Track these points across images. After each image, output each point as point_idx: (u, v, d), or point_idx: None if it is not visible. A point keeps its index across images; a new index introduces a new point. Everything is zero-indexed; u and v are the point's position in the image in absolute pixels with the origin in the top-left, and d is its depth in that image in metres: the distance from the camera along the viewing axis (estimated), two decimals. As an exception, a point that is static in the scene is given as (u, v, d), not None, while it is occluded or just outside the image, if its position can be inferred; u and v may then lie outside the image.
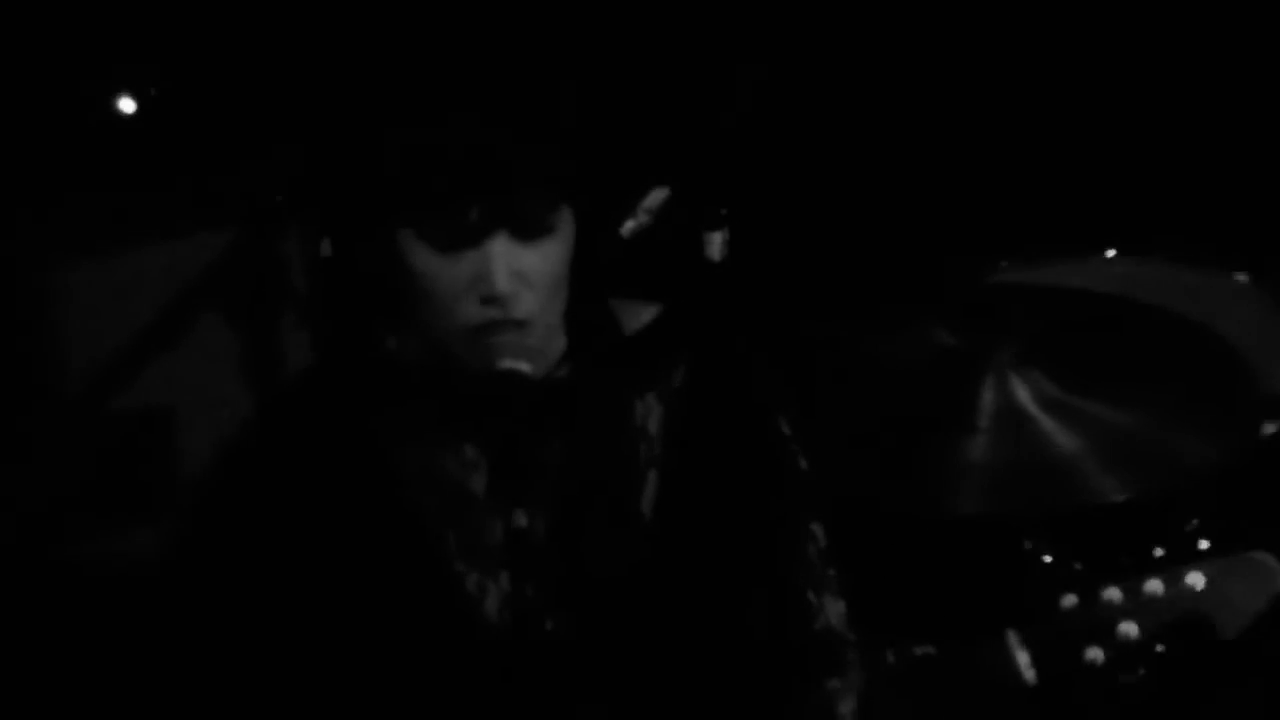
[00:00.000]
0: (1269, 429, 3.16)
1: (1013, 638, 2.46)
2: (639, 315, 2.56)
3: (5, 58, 4.18)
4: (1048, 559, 3.05)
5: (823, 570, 2.56)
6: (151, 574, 2.97)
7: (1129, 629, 2.48)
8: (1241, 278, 3.23)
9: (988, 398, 3.05)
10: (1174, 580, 2.48)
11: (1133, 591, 2.50)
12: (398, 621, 2.51)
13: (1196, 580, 2.51)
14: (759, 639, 2.58)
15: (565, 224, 2.39)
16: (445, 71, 2.48)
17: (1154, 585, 2.47)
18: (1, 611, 4.09)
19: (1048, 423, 3.02)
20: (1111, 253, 3.34)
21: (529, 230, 2.36)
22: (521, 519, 2.44)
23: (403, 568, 2.51)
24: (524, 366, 2.34)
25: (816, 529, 2.51)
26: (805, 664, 2.62)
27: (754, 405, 2.56)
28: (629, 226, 2.99)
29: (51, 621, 4.17)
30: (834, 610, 2.55)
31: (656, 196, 2.98)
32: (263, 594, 2.55)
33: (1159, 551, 3.19)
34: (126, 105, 3.83)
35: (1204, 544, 3.09)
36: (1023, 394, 3.04)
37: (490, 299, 2.37)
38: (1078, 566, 3.20)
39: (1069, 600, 2.48)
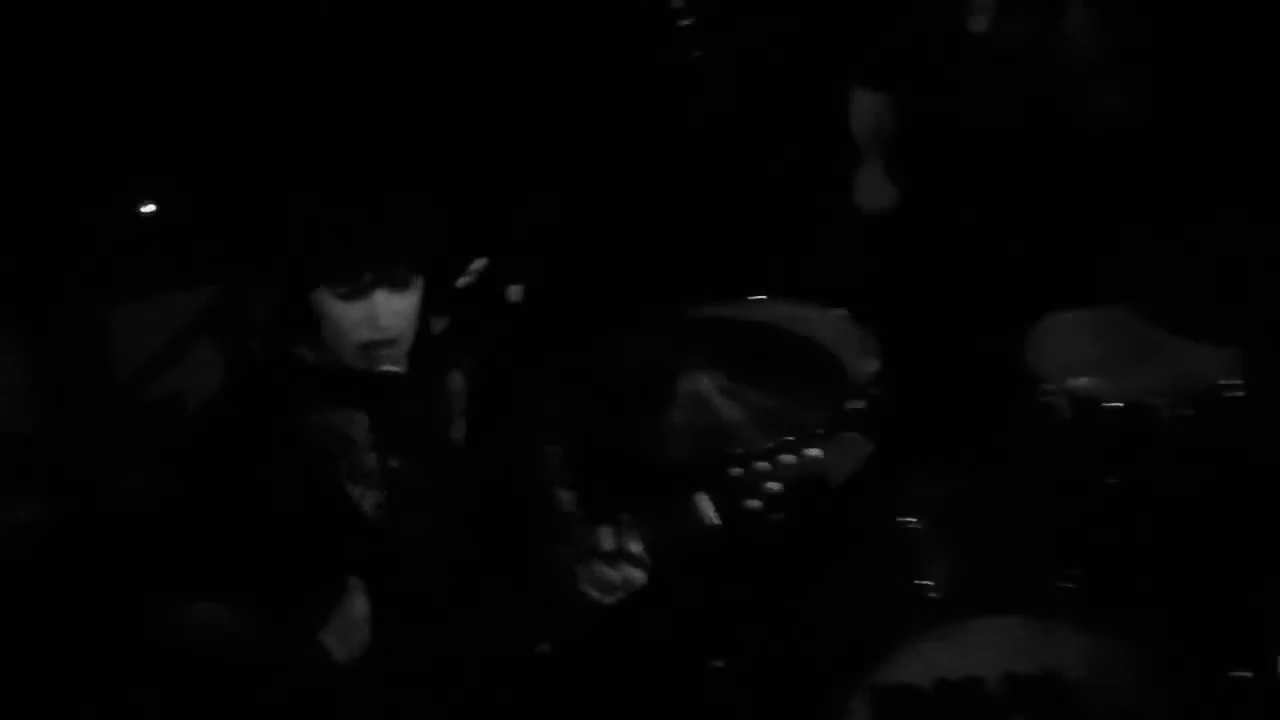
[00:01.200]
0: (856, 406, 4.12)
1: (702, 498, 3.49)
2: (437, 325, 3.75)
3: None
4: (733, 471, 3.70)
5: (560, 474, 3.73)
6: (163, 488, 4.03)
7: (773, 486, 3.49)
8: (836, 312, 4.45)
9: (684, 385, 4.21)
10: (800, 454, 3.52)
11: (775, 463, 3.49)
12: (312, 512, 3.58)
13: (814, 453, 3.56)
14: (523, 519, 3.74)
15: (419, 281, 3.44)
16: (350, 193, 3.56)
17: (788, 458, 3.46)
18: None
19: (720, 401, 4.17)
20: (762, 296, 4.52)
21: (399, 286, 3.40)
22: (387, 458, 3.58)
23: (315, 482, 3.56)
24: (394, 368, 3.44)
25: (553, 449, 3.69)
26: (549, 535, 3.76)
27: (514, 378, 3.80)
28: (462, 281, 4.09)
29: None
30: (566, 498, 3.69)
31: (479, 264, 4.14)
32: (232, 493, 3.61)
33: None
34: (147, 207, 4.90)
35: (820, 432, 3.82)
36: (704, 383, 4.18)
37: (375, 330, 3.47)
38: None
39: (735, 471, 3.49)
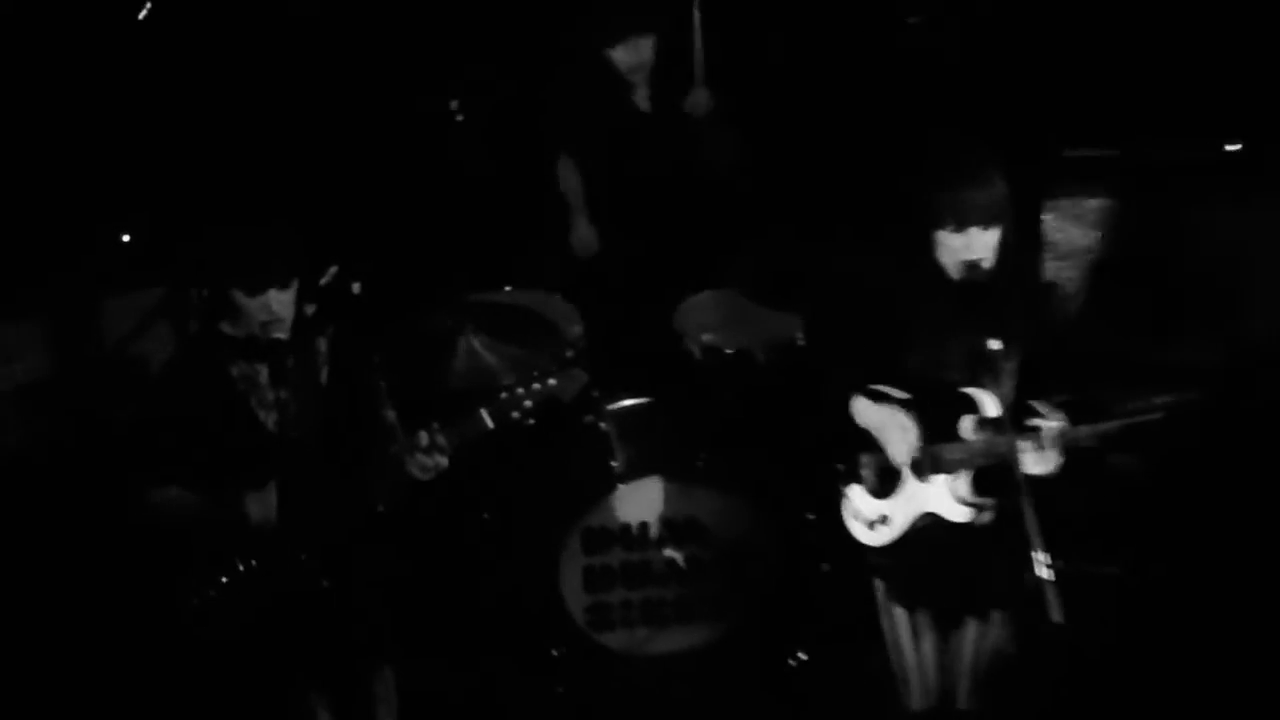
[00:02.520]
0: (570, 354, 5.47)
1: (481, 411, 4.34)
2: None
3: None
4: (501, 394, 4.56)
5: (386, 400, 4.60)
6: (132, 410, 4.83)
7: (527, 404, 4.35)
8: (556, 296, 5.71)
9: (462, 344, 5.41)
10: (544, 383, 4.34)
11: (529, 389, 4.32)
12: (234, 428, 4.41)
13: (552, 382, 4.39)
14: (366, 427, 4.53)
15: (296, 282, 4.34)
16: (252, 227, 4.35)
17: (536, 385, 4.34)
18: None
19: (488, 357, 5.40)
20: (509, 287, 5.80)
21: (284, 286, 4.28)
22: (282, 392, 4.42)
23: (232, 407, 4.42)
24: (281, 335, 4.31)
25: (381, 385, 4.55)
26: (384, 436, 4.56)
27: (356, 340, 4.61)
28: (323, 280, 5.26)
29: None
30: (389, 415, 4.57)
31: (333, 270, 5.32)
32: (182, 417, 4.35)
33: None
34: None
35: (554, 369, 4.61)
36: (475, 342, 5.35)
37: (270, 314, 4.31)
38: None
39: (503, 395, 4.32)
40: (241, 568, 4.42)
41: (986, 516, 4.39)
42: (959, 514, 4.36)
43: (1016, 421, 4.29)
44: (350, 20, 6.62)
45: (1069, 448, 4.26)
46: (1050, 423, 4.23)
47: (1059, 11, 6.33)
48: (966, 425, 4.37)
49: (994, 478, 4.36)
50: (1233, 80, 6.19)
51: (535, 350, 5.37)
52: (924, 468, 4.40)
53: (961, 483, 4.39)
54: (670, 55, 6.13)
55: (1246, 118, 6.17)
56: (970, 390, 4.34)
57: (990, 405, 4.30)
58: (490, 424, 4.34)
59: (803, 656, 5.64)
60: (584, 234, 6.21)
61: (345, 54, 6.55)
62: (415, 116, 6.53)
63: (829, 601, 5.61)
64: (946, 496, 4.40)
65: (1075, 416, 4.29)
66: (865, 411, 4.45)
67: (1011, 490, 4.25)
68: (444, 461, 4.35)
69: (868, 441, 4.48)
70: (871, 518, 4.49)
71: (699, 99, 6.14)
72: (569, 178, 6.27)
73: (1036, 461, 4.23)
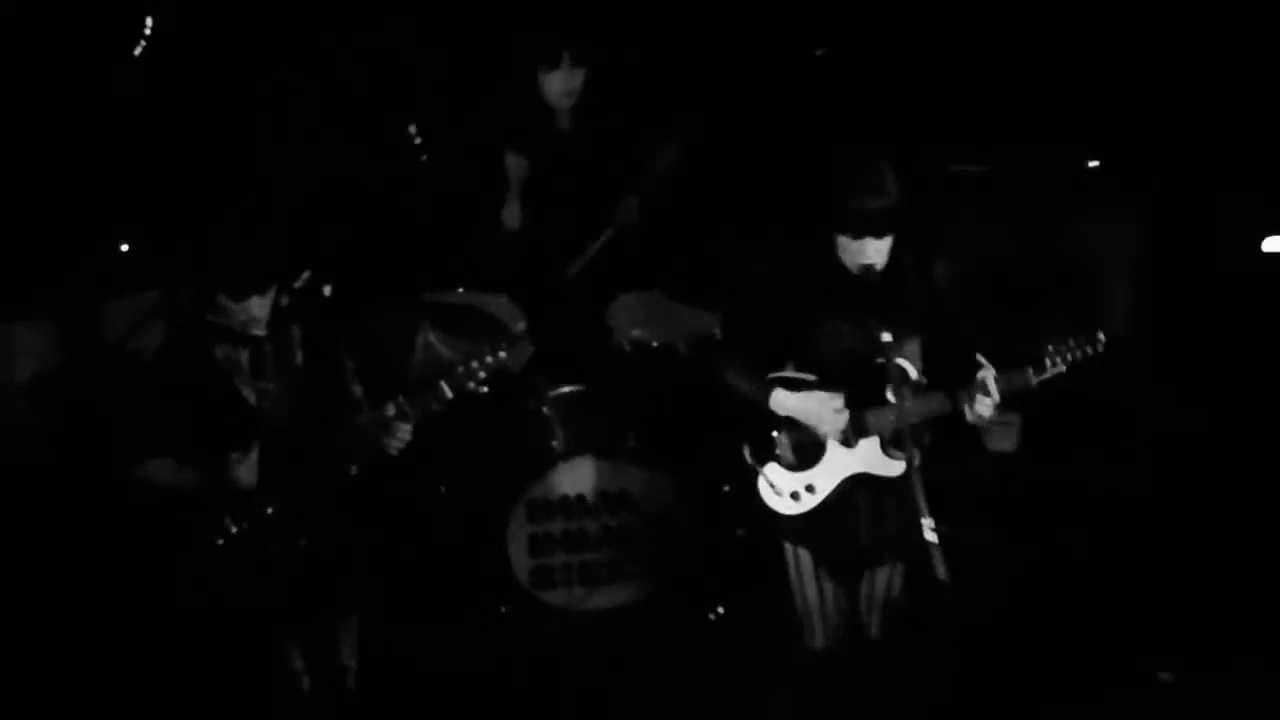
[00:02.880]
0: (519, 330, 5.83)
1: (441, 384, 4.51)
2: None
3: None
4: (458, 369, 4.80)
5: (353, 375, 4.78)
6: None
7: (482, 375, 4.52)
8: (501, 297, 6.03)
9: (420, 337, 5.70)
10: (497, 356, 4.48)
11: (484, 363, 4.48)
12: (220, 402, 4.62)
13: (503, 355, 4.54)
14: (335, 405, 4.71)
15: (274, 287, 4.59)
16: (235, 242, 4.57)
17: (490, 359, 4.46)
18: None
19: (443, 349, 5.70)
20: (461, 289, 6.07)
21: (263, 292, 4.53)
22: (261, 380, 4.64)
23: (217, 385, 4.63)
24: (259, 331, 4.56)
25: (349, 365, 4.77)
26: (353, 409, 4.73)
27: (325, 332, 4.82)
28: (298, 283, 5.58)
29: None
30: (357, 390, 4.76)
31: (306, 274, 5.66)
32: (174, 394, 4.55)
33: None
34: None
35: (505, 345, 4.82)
36: (433, 336, 5.67)
37: (248, 315, 4.55)
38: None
39: (459, 369, 4.49)
40: (233, 529, 4.67)
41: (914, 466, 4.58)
42: (892, 469, 4.65)
43: (940, 382, 4.63)
44: (314, 45, 6.69)
45: (1004, 392, 4.57)
46: (990, 372, 4.54)
47: (946, 49, 6.59)
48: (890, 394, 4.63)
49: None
50: (1093, 106, 6.48)
51: (484, 343, 5.44)
52: (853, 435, 4.67)
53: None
54: (597, 87, 6.32)
55: (1103, 139, 6.50)
56: (896, 360, 4.60)
57: (912, 371, 4.63)
58: (450, 394, 4.60)
59: (720, 610, 5.89)
60: (513, 211, 6.53)
61: (319, 80, 6.67)
62: (381, 139, 6.62)
63: (742, 562, 5.81)
64: (877, 455, 4.68)
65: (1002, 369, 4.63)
66: (786, 400, 4.67)
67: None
68: (409, 431, 4.60)
69: (778, 422, 4.70)
70: (794, 489, 4.68)
71: (630, 206, 6.49)
72: (515, 166, 6.52)
73: (983, 405, 4.55)
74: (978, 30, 6.64)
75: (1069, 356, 4.65)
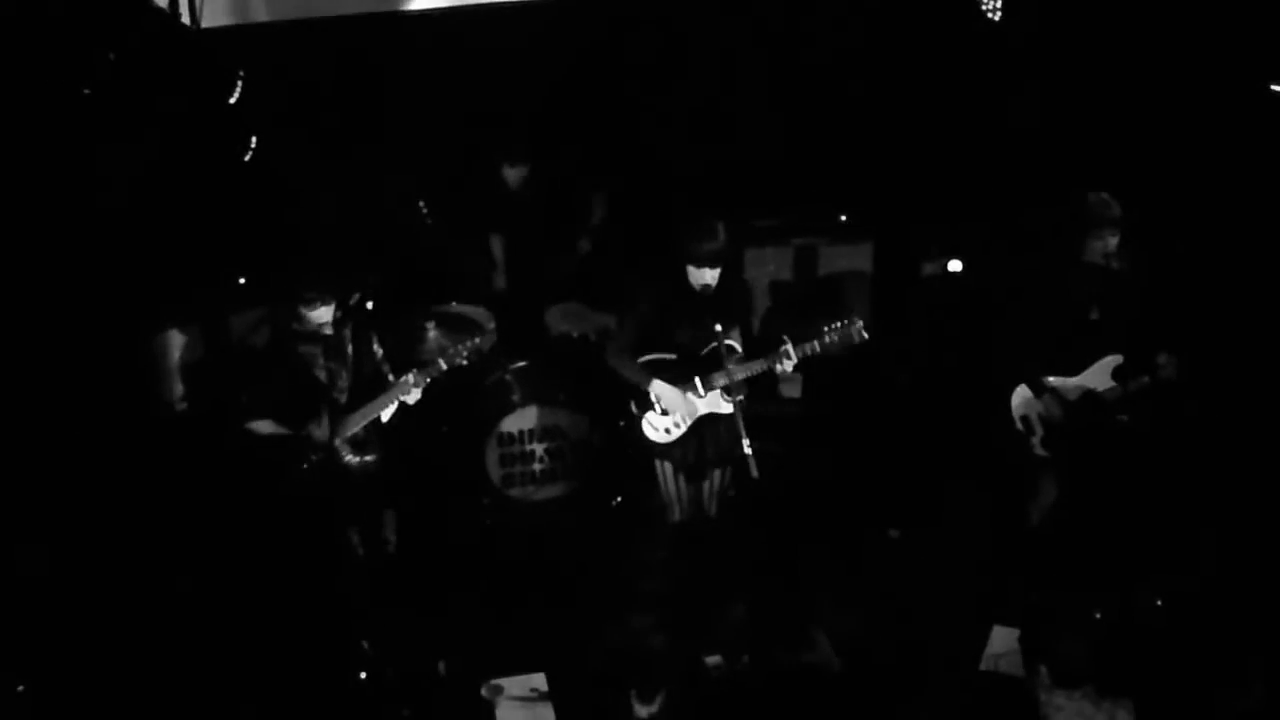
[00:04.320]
0: (489, 327, 6.37)
1: (439, 359, 5.20)
2: None
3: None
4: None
5: (384, 360, 5.38)
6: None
7: (465, 353, 5.15)
8: (478, 308, 6.85)
9: (430, 333, 6.42)
10: (473, 343, 5.14)
11: (466, 346, 5.11)
12: (301, 381, 5.30)
13: (478, 340, 5.20)
14: (373, 379, 5.40)
15: (333, 300, 5.12)
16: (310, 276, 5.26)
17: (469, 344, 5.12)
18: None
19: (443, 340, 6.26)
20: (454, 303, 6.79)
21: (327, 303, 5.06)
22: (331, 363, 5.39)
23: (301, 369, 5.32)
24: (329, 332, 5.22)
25: (378, 349, 5.43)
26: (383, 382, 5.38)
27: (367, 331, 5.41)
28: (352, 300, 5.84)
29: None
30: (386, 368, 5.39)
31: (357, 296, 5.94)
32: (270, 375, 5.36)
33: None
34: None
35: (479, 335, 5.48)
36: (437, 333, 6.44)
37: (321, 318, 5.16)
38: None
39: (450, 350, 5.15)
40: (310, 463, 5.37)
41: (739, 406, 5.27)
42: (725, 409, 5.39)
43: (756, 353, 5.39)
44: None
45: (800, 358, 5.35)
46: (788, 346, 5.31)
47: (759, 144, 7.27)
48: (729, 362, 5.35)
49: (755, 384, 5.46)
50: (843, 181, 7.23)
51: (465, 336, 5.88)
52: (703, 389, 5.45)
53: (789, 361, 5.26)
54: (539, 178, 6.95)
55: (849, 201, 7.25)
56: (726, 341, 5.33)
57: (737, 346, 5.47)
58: (445, 366, 5.40)
59: (618, 499, 6.67)
60: (502, 278, 7.20)
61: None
62: (406, 209, 7.11)
63: (631, 471, 6.03)
64: (717, 400, 5.41)
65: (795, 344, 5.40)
66: (658, 389, 5.43)
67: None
68: (419, 391, 5.35)
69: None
70: (666, 426, 5.51)
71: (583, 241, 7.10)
72: (495, 248, 7.13)
73: (786, 365, 5.28)
74: (779, 131, 7.32)
75: (828, 338, 5.37)
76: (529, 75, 7.04)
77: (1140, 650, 4.81)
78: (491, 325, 6.60)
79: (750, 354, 5.43)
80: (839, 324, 5.35)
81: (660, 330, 5.47)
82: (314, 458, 5.30)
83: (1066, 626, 4.99)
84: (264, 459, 5.35)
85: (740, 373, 5.37)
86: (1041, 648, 4.81)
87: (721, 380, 5.41)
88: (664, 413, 5.45)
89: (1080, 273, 5.56)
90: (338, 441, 5.30)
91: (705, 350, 5.40)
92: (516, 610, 6.01)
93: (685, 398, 5.43)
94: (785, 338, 5.32)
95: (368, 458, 5.44)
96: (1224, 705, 4.54)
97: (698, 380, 5.48)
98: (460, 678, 5.44)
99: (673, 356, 5.46)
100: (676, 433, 5.46)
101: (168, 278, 6.48)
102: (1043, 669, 4.71)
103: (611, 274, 7.00)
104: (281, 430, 5.33)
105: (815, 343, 5.36)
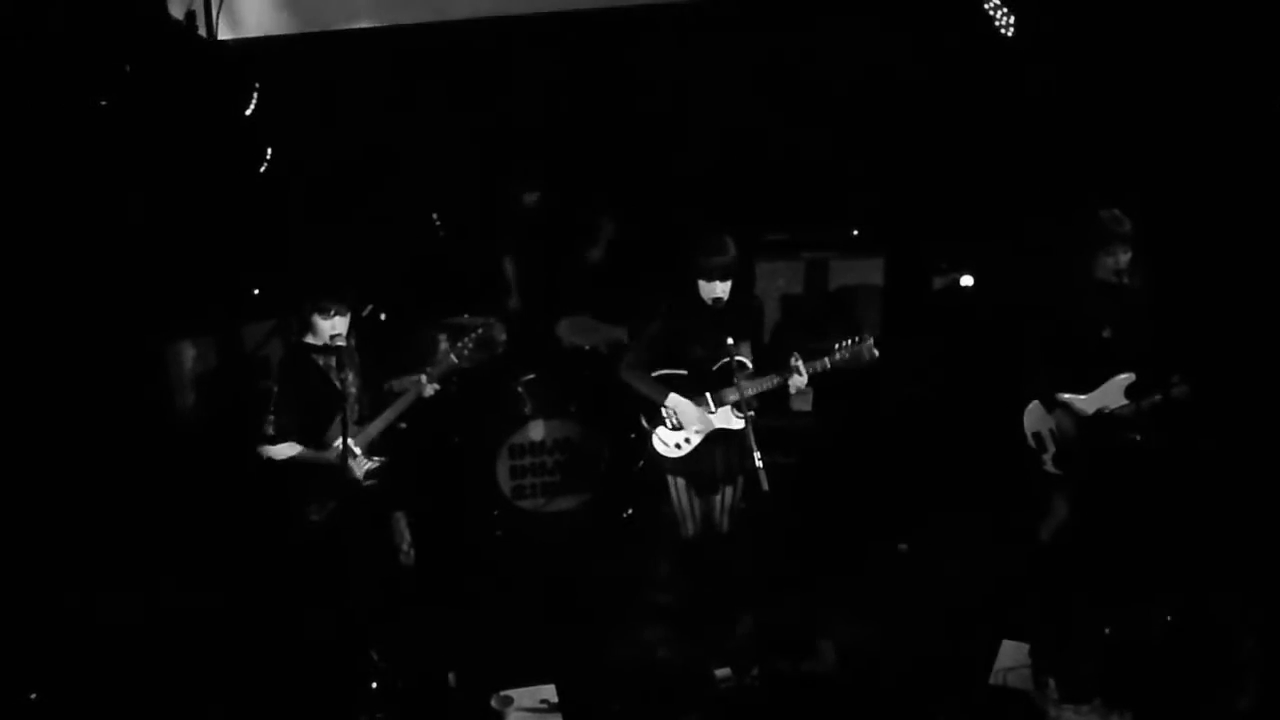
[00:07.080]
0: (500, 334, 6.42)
1: (450, 355, 5.23)
2: None
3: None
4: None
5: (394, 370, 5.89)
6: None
7: (471, 348, 5.22)
8: (490, 320, 6.75)
9: (441, 344, 6.32)
10: (472, 334, 5.34)
11: (468, 340, 5.22)
12: (317, 389, 5.26)
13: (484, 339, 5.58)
14: (382, 389, 5.62)
15: (349, 311, 5.16)
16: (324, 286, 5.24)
17: (473, 335, 5.28)
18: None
19: (452, 349, 5.53)
20: (465, 315, 6.82)
21: (343, 314, 5.11)
22: (344, 372, 5.38)
23: (318, 377, 5.29)
24: (342, 342, 5.27)
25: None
26: (395, 391, 5.52)
27: (378, 343, 5.78)
28: (365, 312, 6.21)
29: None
30: (393, 384, 5.77)
31: (370, 307, 6.35)
32: (292, 386, 5.29)
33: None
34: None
35: (479, 329, 5.37)
36: (447, 344, 6.02)
37: (335, 329, 5.18)
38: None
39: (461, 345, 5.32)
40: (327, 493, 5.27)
41: (751, 424, 5.15)
42: (736, 424, 5.32)
43: (767, 369, 5.32)
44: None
45: (811, 374, 5.32)
46: (799, 362, 5.27)
47: (770, 169, 7.32)
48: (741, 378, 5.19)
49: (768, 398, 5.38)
50: (855, 199, 7.31)
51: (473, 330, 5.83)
52: (714, 405, 5.40)
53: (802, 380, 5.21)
54: (543, 208, 7.08)
55: (860, 219, 7.34)
56: (737, 356, 5.24)
57: (747, 362, 5.37)
58: (455, 360, 5.38)
59: (629, 512, 6.70)
60: (514, 295, 7.28)
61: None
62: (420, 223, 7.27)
63: (642, 485, 6.22)
64: (728, 416, 5.34)
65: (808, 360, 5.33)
66: (674, 402, 5.39)
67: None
68: (433, 389, 5.34)
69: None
70: (676, 441, 5.45)
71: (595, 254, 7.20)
72: (507, 266, 7.27)
73: (797, 380, 5.23)
74: (791, 156, 7.34)
75: (839, 355, 5.32)
76: (540, 90, 7.16)
77: (1149, 666, 4.73)
78: (503, 337, 6.38)
79: (761, 369, 5.41)
80: (850, 341, 5.32)
81: (673, 345, 5.44)
82: (331, 485, 5.24)
83: (1076, 642, 4.95)
84: (285, 486, 5.26)
85: (751, 389, 5.32)
86: (1050, 662, 4.85)
87: (733, 396, 5.37)
88: (675, 428, 5.40)
89: (1092, 289, 5.51)
90: (354, 445, 5.25)
91: (717, 366, 5.36)
92: (527, 622, 5.96)
93: (700, 412, 5.39)
94: (796, 354, 5.29)
95: (376, 460, 5.35)
96: (1224, 705, 4.53)
97: (709, 396, 5.45)
98: (470, 688, 5.37)
99: (684, 372, 5.40)
100: (687, 448, 5.40)
101: (182, 289, 6.48)
102: (1051, 683, 4.78)
103: (622, 287, 7.00)
104: (303, 450, 5.25)
105: (826, 360, 5.33)
